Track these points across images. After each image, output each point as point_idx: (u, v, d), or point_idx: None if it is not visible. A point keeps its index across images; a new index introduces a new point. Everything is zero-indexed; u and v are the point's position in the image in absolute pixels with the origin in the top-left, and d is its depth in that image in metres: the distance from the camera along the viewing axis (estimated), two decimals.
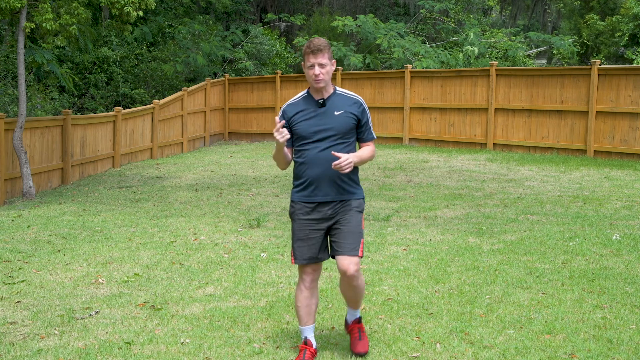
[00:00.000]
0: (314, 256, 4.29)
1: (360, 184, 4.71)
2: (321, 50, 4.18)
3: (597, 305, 5.28)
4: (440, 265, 6.49)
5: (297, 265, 4.60)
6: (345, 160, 4.09)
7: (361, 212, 4.33)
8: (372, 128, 4.40)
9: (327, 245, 4.38)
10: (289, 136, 4.17)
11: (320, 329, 4.91)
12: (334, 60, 4.30)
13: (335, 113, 4.26)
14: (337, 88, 4.37)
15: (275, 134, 4.12)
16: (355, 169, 4.31)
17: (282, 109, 4.39)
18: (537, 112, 15.06)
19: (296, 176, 4.36)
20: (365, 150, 4.33)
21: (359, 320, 4.56)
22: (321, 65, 4.19)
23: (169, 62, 21.45)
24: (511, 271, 6.23)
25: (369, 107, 19.65)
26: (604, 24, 25.13)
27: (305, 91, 4.40)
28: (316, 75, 4.19)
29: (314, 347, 4.37)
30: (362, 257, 4.28)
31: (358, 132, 4.34)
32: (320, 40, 4.23)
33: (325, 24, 25.03)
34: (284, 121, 4.20)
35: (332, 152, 4.20)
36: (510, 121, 15.47)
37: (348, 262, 4.19)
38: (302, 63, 4.31)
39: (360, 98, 4.39)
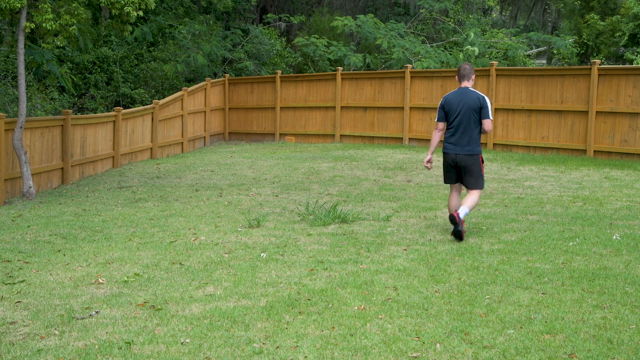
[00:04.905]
0: None
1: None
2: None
3: (597, 305, 5.28)
4: (440, 265, 6.49)
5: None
6: None
7: None
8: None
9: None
10: None
11: (321, 329, 4.91)
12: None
13: None
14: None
15: None
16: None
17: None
18: (537, 112, 15.06)
19: None
20: None
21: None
22: None
23: (169, 62, 21.45)
24: (511, 271, 6.23)
25: (368, 107, 19.50)
26: (604, 24, 25.12)
27: None
28: None
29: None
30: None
31: None
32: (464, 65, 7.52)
33: (325, 24, 25.05)
34: None
35: None
36: (510, 121, 15.47)
37: None
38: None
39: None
